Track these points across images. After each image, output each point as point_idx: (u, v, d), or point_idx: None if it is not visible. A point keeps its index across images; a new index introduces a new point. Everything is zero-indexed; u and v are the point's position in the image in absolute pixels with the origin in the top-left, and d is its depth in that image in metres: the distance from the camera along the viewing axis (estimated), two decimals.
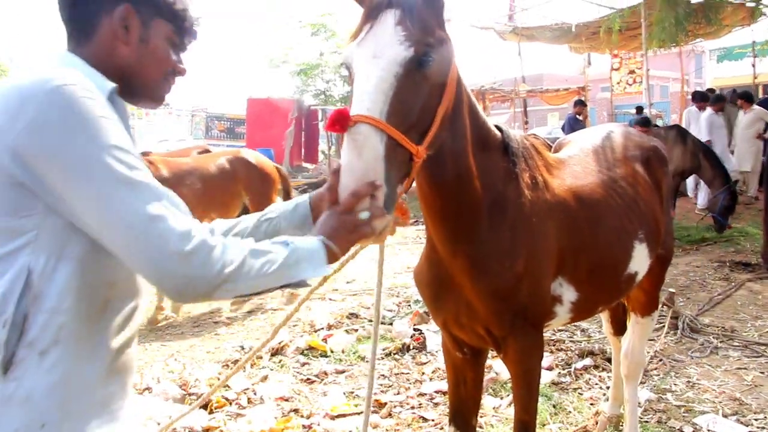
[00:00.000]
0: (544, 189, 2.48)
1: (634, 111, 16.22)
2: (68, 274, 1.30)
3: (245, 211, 7.26)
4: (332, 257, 1.50)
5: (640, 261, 2.93)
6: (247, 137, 22.26)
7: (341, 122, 1.62)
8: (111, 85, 1.42)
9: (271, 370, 5.00)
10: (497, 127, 2.42)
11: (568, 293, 2.56)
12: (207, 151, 8.80)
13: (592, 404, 4.15)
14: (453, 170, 2.13)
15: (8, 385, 1.26)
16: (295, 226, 1.81)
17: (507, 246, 2.32)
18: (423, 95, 1.77)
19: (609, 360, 4.76)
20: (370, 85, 1.68)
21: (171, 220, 1.27)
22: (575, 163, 2.83)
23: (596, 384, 4.47)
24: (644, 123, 8.62)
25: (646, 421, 3.89)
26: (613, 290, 2.94)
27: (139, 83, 1.53)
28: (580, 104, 13.82)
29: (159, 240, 1.24)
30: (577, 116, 13.30)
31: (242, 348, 5.44)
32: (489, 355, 4.55)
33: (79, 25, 1.48)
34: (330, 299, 7.25)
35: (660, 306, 5.86)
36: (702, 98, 12.66)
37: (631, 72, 16.33)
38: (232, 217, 7.13)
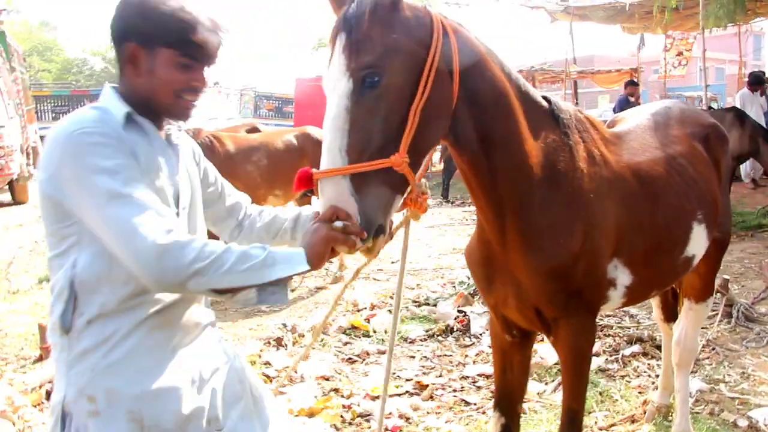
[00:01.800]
0: (602, 164, 2.36)
1: (688, 94, 15.60)
2: (102, 266, 1.66)
3: None
4: (312, 260, 1.67)
5: (697, 243, 2.79)
6: (296, 117, 22.29)
7: (307, 183, 1.77)
8: (125, 110, 1.71)
9: (313, 348, 4.98)
10: (545, 98, 2.30)
11: (622, 276, 2.44)
12: (255, 128, 8.77)
13: (640, 393, 4.02)
14: (481, 143, 2.03)
15: (72, 341, 1.69)
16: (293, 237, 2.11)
17: (562, 222, 2.21)
18: (382, 111, 1.76)
19: (659, 347, 4.61)
20: (327, 124, 1.77)
21: (151, 224, 1.55)
22: (632, 139, 2.69)
23: (645, 372, 4.33)
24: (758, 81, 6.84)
25: (698, 413, 3.75)
26: (668, 274, 2.81)
27: (156, 107, 1.76)
28: (632, 85, 13.42)
29: (140, 241, 1.54)
30: (629, 97, 12.89)
31: (284, 326, 5.42)
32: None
33: (118, 64, 1.79)
34: (374, 279, 7.24)
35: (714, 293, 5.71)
36: (757, 81, 12.17)
37: (679, 54, 15.73)
38: (296, 195, 7.22)
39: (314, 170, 1.76)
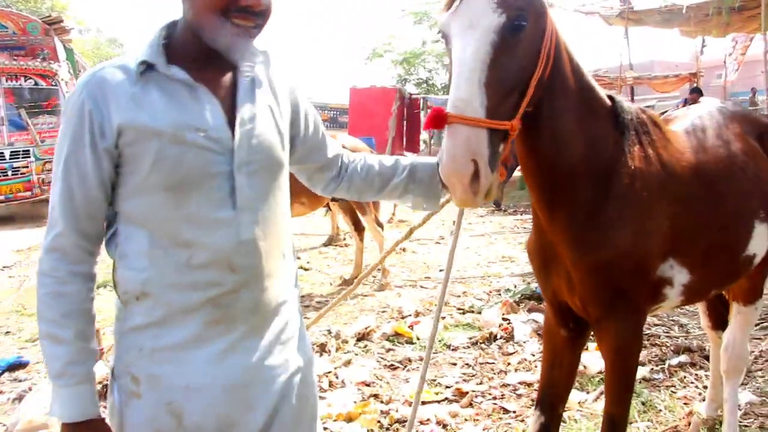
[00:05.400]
0: (658, 164, 2.35)
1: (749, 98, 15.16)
2: (136, 242, 1.59)
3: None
4: None
5: (759, 242, 2.73)
6: (350, 126, 22.48)
7: (439, 122, 1.74)
8: (138, 60, 1.55)
9: (356, 354, 5.02)
10: (610, 96, 2.32)
11: (680, 275, 2.42)
12: None
13: (685, 404, 3.90)
14: (549, 132, 2.09)
15: (126, 314, 1.62)
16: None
17: (609, 217, 2.21)
18: (519, 60, 1.81)
19: (707, 358, 4.47)
20: (467, 57, 1.76)
21: (53, 225, 1.56)
22: (690, 138, 2.66)
23: (692, 383, 4.20)
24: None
25: (746, 426, 3.61)
26: (729, 273, 2.76)
27: (204, 35, 1.56)
28: (697, 92, 13.09)
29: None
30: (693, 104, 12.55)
31: (329, 332, 5.45)
32: None
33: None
34: (421, 286, 7.24)
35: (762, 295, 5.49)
36: None
37: (743, 54, 15.32)
38: (323, 203, 7.28)
39: (449, 112, 1.73)
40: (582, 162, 2.16)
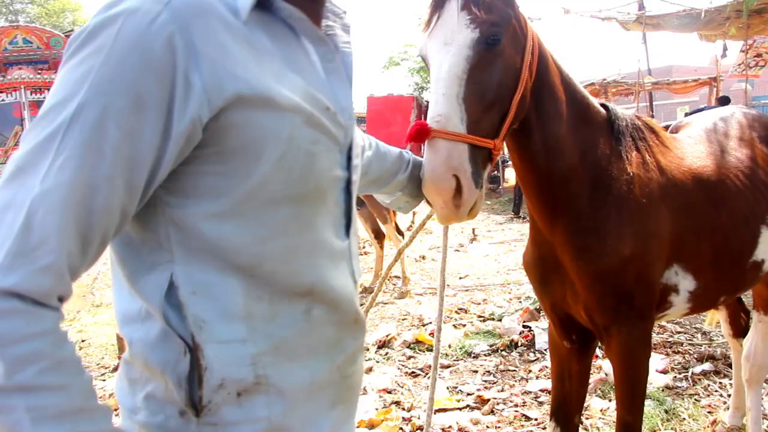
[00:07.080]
0: (657, 170, 2.36)
1: None
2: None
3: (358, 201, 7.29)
4: None
5: (766, 248, 2.70)
6: (367, 134, 22.52)
7: (421, 136, 1.70)
8: None
9: (377, 362, 5.04)
10: (603, 105, 2.34)
11: (685, 282, 2.41)
12: None
13: (710, 412, 3.87)
14: (541, 143, 2.09)
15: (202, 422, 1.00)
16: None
17: (611, 225, 2.21)
18: (496, 75, 1.81)
19: (732, 366, 4.45)
20: (443, 73, 1.75)
21: (36, 245, 0.82)
22: (696, 143, 2.66)
23: (716, 391, 4.17)
24: None
25: None
26: (736, 279, 2.72)
27: None
28: (724, 101, 13.01)
29: None
30: None
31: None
32: (599, 354, 4.39)
33: None
34: None
35: None
36: None
37: (758, 55, 15.20)
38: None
39: (431, 126, 1.69)
40: (579, 170, 2.17)
